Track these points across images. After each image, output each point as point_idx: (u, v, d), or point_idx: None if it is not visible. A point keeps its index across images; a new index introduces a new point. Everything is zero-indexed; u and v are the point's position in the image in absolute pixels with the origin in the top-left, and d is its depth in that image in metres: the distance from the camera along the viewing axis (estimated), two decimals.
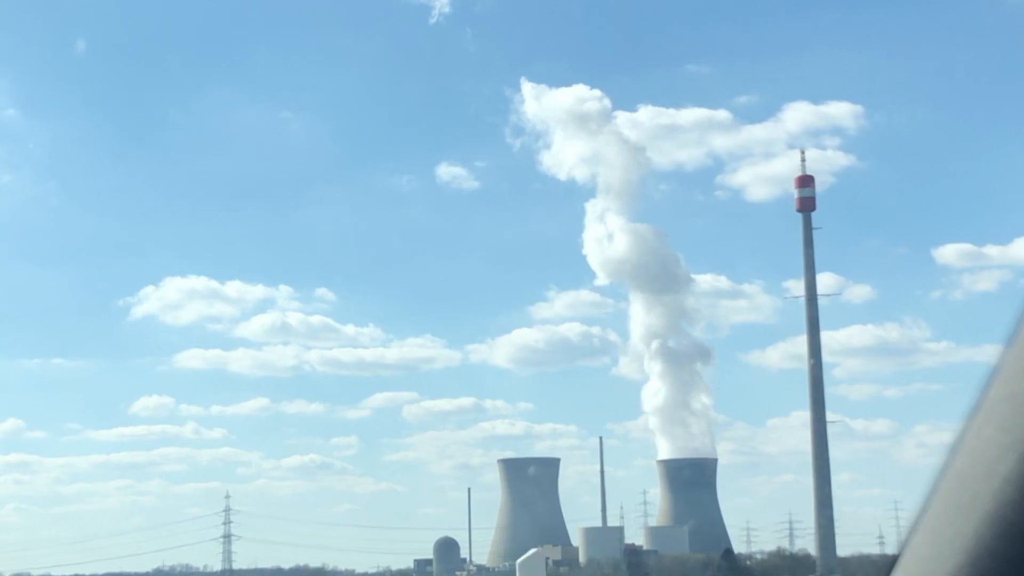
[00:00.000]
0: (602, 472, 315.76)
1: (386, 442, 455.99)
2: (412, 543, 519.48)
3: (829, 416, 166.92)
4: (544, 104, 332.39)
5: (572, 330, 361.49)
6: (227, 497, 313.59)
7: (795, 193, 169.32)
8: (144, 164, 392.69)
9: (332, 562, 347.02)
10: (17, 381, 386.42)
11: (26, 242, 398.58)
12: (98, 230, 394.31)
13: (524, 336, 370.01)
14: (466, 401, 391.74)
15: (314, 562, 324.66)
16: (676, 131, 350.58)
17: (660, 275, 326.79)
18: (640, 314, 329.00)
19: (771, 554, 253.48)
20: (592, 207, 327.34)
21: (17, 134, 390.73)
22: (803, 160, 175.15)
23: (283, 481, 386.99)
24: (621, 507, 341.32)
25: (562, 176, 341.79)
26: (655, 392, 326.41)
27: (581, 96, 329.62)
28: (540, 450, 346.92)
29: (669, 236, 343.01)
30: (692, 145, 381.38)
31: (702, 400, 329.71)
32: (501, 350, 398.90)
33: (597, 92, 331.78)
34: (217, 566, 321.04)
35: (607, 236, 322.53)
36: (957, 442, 2.33)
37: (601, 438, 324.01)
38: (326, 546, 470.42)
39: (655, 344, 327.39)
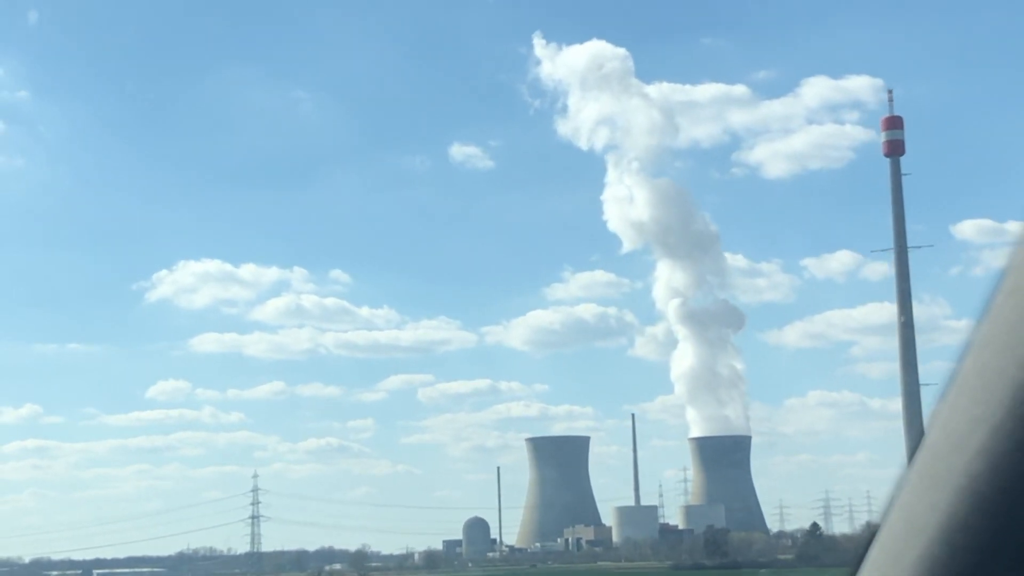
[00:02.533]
0: (635, 450, 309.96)
1: (402, 425, 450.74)
2: (436, 524, 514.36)
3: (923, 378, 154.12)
4: (560, 63, 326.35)
5: (588, 311, 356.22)
6: (255, 477, 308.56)
7: (881, 136, 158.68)
8: (156, 146, 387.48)
9: (353, 543, 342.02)
10: (33, 366, 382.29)
11: (39, 226, 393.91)
12: (111, 214, 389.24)
13: (540, 317, 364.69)
14: (482, 383, 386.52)
15: (338, 544, 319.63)
16: (693, 107, 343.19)
17: (686, 234, 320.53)
18: (666, 277, 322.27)
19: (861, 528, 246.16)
20: (613, 169, 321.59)
21: (28, 117, 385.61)
22: (891, 100, 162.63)
23: (300, 464, 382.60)
24: (660, 485, 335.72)
25: (581, 142, 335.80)
26: (684, 358, 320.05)
27: (600, 53, 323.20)
28: (557, 432, 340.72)
29: (692, 195, 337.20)
30: (709, 121, 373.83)
31: (734, 367, 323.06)
32: (516, 332, 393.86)
33: (619, 51, 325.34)
34: (240, 549, 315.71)
35: (628, 198, 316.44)
36: (932, 416, 2.34)
37: (633, 415, 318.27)
38: (349, 526, 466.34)
39: (682, 307, 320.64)
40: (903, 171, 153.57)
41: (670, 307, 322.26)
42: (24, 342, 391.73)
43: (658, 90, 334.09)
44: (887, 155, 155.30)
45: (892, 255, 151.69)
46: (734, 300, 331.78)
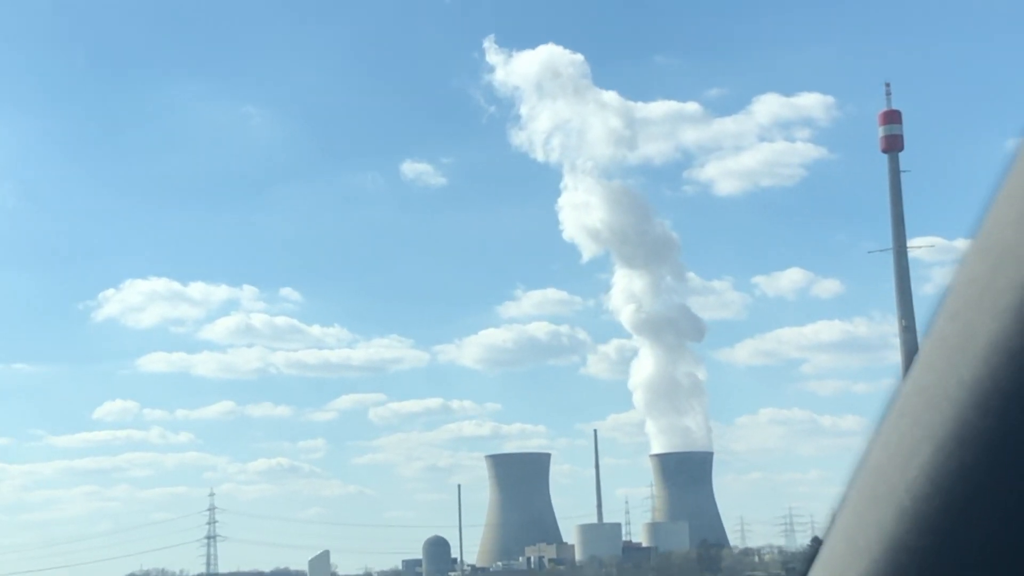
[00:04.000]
0: (597, 466, 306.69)
1: (353, 444, 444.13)
2: (392, 543, 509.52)
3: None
4: (514, 69, 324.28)
5: (540, 329, 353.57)
6: (211, 495, 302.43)
7: (879, 131, 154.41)
8: (102, 162, 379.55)
9: (302, 564, 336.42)
10: None
11: None
12: (55, 231, 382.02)
13: (492, 336, 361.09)
14: (433, 402, 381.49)
15: (293, 564, 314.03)
16: (645, 124, 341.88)
17: (644, 240, 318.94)
18: (623, 284, 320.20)
19: None
20: (569, 175, 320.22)
21: None
22: (888, 93, 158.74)
23: (251, 485, 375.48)
24: (627, 502, 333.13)
25: (536, 153, 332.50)
26: (642, 368, 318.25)
27: (555, 58, 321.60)
28: (512, 449, 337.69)
29: (650, 201, 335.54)
30: (661, 138, 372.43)
31: (695, 376, 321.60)
32: (469, 350, 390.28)
33: (576, 56, 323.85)
34: (194, 570, 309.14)
35: (585, 204, 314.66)
36: (874, 435, 2.32)
37: (596, 431, 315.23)
38: (304, 546, 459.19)
39: (640, 314, 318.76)
40: (901, 167, 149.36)
41: (628, 314, 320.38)
42: None
43: (613, 100, 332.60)
44: (885, 151, 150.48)
45: (891, 256, 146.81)
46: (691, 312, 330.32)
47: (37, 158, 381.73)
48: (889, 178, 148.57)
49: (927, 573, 2.12)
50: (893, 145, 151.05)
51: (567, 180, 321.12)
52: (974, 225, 2.29)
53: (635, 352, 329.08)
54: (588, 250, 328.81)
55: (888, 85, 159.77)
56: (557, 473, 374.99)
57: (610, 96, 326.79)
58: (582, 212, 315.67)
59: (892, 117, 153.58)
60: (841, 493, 2.31)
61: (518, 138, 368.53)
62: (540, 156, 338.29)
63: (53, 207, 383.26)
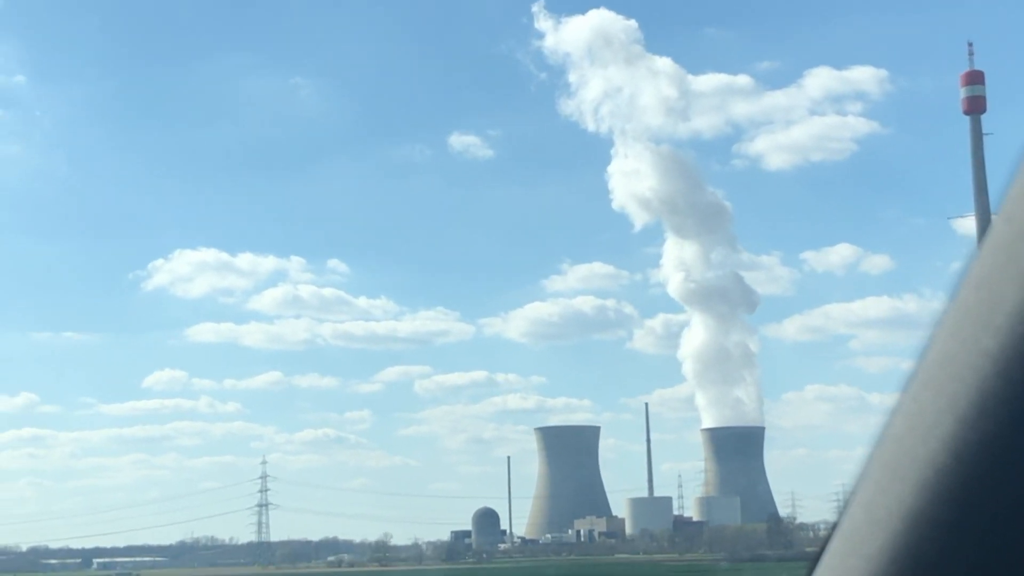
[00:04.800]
0: (648, 440, 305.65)
1: (399, 416, 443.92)
2: (435, 514, 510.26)
3: None
4: (564, 36, 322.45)
5: (587, 303, 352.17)
6: (263, 463, 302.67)
7: (961, 93, 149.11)
8: (154, 133, 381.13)
9: (357, 534, 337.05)
10: (30, 355, 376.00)
11: (35, 214, 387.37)
12: (107, 201, 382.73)
13: (538, 310, 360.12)
14: (479, 375, 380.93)
15: (342, 534, 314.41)
16: (695, 97, 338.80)
17: (695, 208, 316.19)
18: (674, 254, 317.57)
19: None
20: (620, 142, 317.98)
21: (25, 101, 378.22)
22: (971, 54, 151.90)
23: (297, 455, 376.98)
24: (679, 476, 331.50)
25: (585, 121, 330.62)
26: (693, 338, 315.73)
27: (607, 23, 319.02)
28: (558, 423, 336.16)
29: (701, 169, 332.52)
30: (711, 111, 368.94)
31: (746, 346, 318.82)
32: (515, 324, 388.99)
33: (629, 22, 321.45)
34: (243, 538, 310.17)
35: (635, 172, 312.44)
36: (896, 407, 2.27)
37: (647, 404, 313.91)
38: (350, 514, 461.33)
39: (692, 283, 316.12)
40: (984, 130, 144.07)
41: (678, 284, 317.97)
42: (20, 331, 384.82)
43: (666, 66, 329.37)
44: (967, 112, 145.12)
45: (973, 220, 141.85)
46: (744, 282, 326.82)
47: (88, 129, 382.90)
48: (971, 142, 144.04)
49: (947, 546, 2.09)
50: (975, 107, 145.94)
51: (617, 147, 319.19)
52: (1001, 194, 2.28)
53: (682, 327, 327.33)
54: (638, 219, 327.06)
55: (971, 45, 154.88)
56: (603, 447, 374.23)
57: (664, 63, 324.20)
58: (632, 180, 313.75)
59: (974, 78, 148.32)
60: (861, 464, 2.29)
61: (567, 107, 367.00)
62: (590, 125, 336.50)
63: (104, 177, 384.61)
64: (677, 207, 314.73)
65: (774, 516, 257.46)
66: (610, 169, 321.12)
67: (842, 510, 2.28)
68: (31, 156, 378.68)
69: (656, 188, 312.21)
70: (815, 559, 2.32)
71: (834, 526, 2.29)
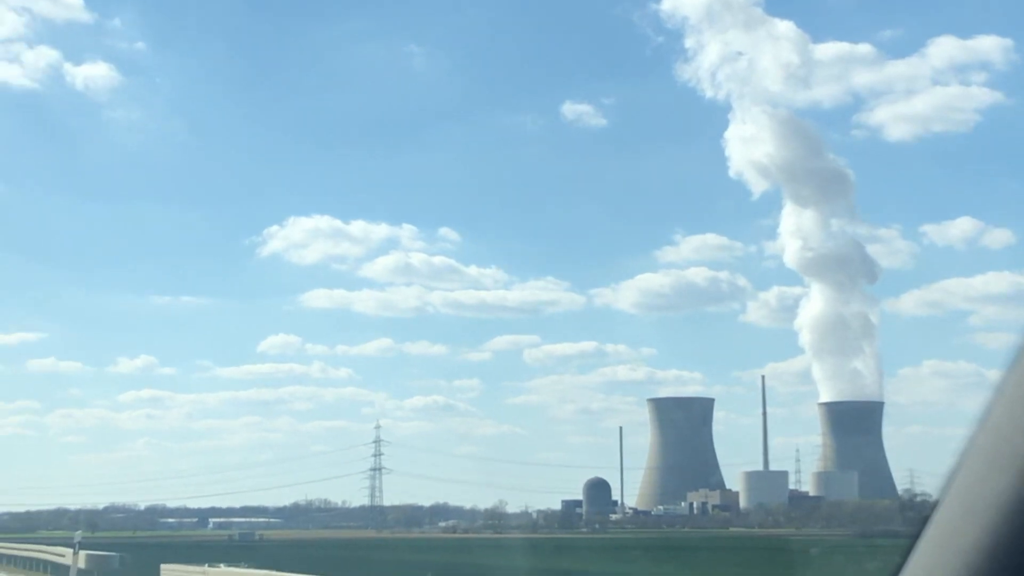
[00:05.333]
0: (764, 414, 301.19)
1: (508, 385, 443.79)
2: (545, 482, 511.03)
3: None
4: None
5: (699, 275, 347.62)
6: (377, 428, 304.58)
7: None
8: (267, 100, 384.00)
9: (466, 500, 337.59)
10: (149, 318, 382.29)
11: (155, 180, 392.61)
12: (224, 167, 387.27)
13: (649, 280, 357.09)
14: (588, 345, 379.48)
15: (451, 500, 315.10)
16: (815, 66, 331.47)
17: (816, 176, 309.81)
18: (792, 221, 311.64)
19: None
20: (738, 107, 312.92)
21: (146, 68, 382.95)
22: None
23: (407, 421, 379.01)
24: (797, 450, 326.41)
25: (703, 86, 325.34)
26: (812, 307, 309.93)
27: None
28: (669, 394, 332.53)
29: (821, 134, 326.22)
30: (831, 81, 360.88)
31: (866, 318, 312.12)
32: (625, 294, 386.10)
33: None
34: (355, 502, 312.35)
35: (754, 137, 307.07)
36: (996, 393, 2.15)
37: (763, 377, 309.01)
38: (460, 480, 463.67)
39: (810, 251, 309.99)
40: None
41: (796, 252, 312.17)
42: (140, 295, 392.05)
43: (788, 30, 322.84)
44: None
45: None
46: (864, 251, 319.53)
47: (205, 96, 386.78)
48: None
49: None
50: None
51: (735, 112, 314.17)
52: None
53: (796, 300, 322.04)
54: (756, 186, 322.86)
55: None
56: (715, 420, 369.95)
57: (785, 27, 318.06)
58: (751, 146, 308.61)
59: None
60: (959, 452, 2.17)
61: (684, 72, 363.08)
62: (707, 91, 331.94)
63: (221, 144, 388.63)
64: (796, 174, 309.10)
65: (908, 492, 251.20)
66: (727, 135, 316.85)
67: (938, 499, 2.21)
68: (151, 122, 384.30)
69: (775, 154, 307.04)
70: (907, 549, 2.23)
71: (928, 516, 2.20)
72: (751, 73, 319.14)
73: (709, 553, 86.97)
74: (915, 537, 2.24)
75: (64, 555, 56.59)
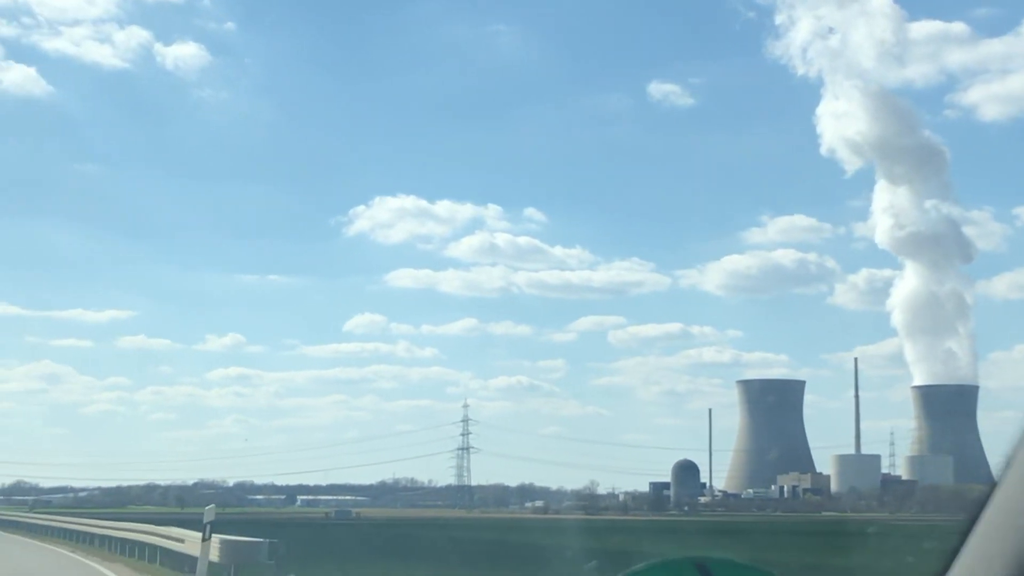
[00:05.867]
0: (856, 397, 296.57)
1: (592, 366, 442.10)
2: (630, 463, 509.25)
3: None
4: None
5: (786, 256, 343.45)
6: (465, 406, 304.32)
7: None
8: (354, 79, 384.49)
9: (552, 481, 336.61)
10: (237, 297, 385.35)
11: (243, 159, 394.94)
12: (310, 147, 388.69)
13: (735, 262, 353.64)
14: (673, 327, 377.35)
15: (538, 481, 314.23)
16: (907, 45, 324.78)
17: (909, 153, 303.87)
18: (884, 199, 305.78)
19: None
20: (830, 82, 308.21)
21: (234, 48, 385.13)
22: None
23: (491, 401, 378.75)
24: (892, 434, 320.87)
25: (794, 64, 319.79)
26: (904, 287, 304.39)
27: None
28: (760, 377, 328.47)
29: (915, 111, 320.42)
30: (923, 60, 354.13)
31: (960, 298, 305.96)
32: (711, 276, 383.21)
33: None
34: (442, 481, 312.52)
35: (846, 113, 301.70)
36: None
37: (856, 359, 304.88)
38: (545, 461, 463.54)
39: (903, 230, 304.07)
40: None
41: (888, 231, 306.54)
42: (228, 273, 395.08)
43: (883, 5, 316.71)
44: None
45: None
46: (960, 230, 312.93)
47: (293, 76, 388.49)
48: None
49: None
50: None
51: (828, 88, 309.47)
52: None
53: (886, 283, 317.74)
54: (848, 164, 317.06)
55: None
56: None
57: (880, 2, 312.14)
58: (843, 122, 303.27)
59: None
60: (1006, 456, 2.09)
61: (774, 49, 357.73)
62: (799, 68, 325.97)
63: (308, 124, 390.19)
64: (890, 150, 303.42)
65: None
66: (819, 111, 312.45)
67: (983, 506, 2.08)
68: (240, 102, 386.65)
69: (868, 131, 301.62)
70: (953, 551, 2.13)
71: (973, 521, 2.09)
72: (843, 50, 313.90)
73: (824, 538, 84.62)
74: (973, 520, 2.13)
75: (184, 540, 40.28)
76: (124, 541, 54.53)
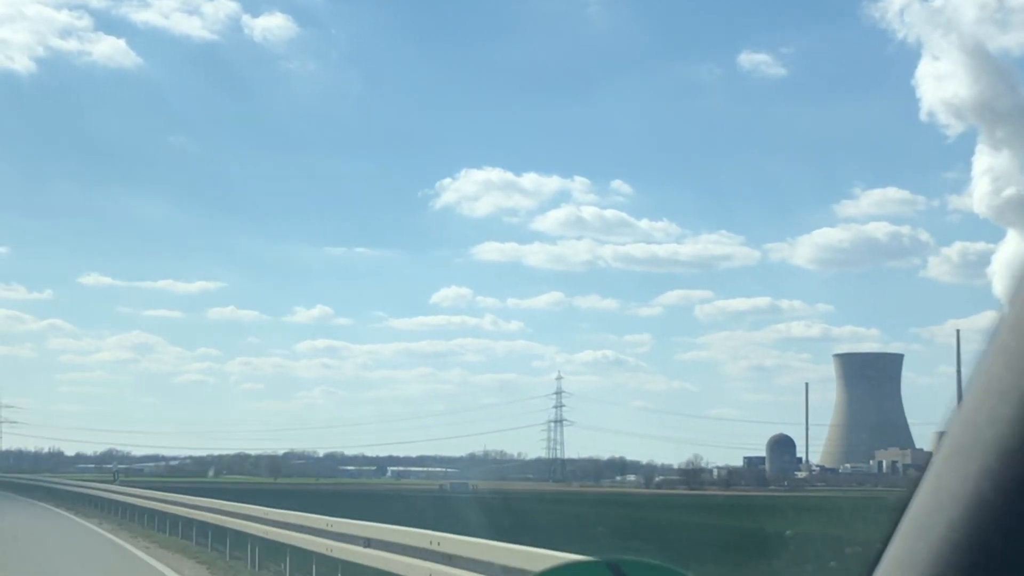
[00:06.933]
0: (959, 371, 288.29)
1: (679, 340, 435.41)
2: (720, 438, 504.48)
3: None
4: None
5: (879, 229, 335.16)
6: (559, 379, 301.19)
7: None
8: (441, 49, 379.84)
9: (643, 455, 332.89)
10: (325, 269, 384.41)
11: (330, 131, 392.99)
12: (397, 119, 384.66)
13: (827, 235, 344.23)
14: (761, 301, 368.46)
15: (629, 455, 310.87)
16: (1003, 11, 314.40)
17: (1014, 116, 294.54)
18: (987, 165, 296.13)
19: None
20: (930, 40, 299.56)
21: (321, 20, 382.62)
22: None
23: (577, 376, 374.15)
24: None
25: (893, 27, 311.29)
26: (1006, 253, 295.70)
27: None
28: (854, 350, 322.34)
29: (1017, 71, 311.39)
30: (1021, 28, 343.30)
31: None
32: (801, 249, 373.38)
33: None
34: (531, 454, 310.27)
35: (947, 74, 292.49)
36: (968, 384, 2.10)
37: (959, 331, 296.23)
38: (635, 433, 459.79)
39: (1003, 199, 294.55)
40: None
41: (988, 197, 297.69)
42: (316, 246, 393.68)
43: None
44: None
45: None
46: None
47: (379, 47, 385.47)
48: None
49: (1012, 533, 1.91)
50: None
51: (927, 49, 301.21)
52: None
53: (980, 256, 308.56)
54: (950, 128, 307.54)
55: None
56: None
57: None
58: (943, 83, 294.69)
59: None
60: (936, 444, 2.14)
61: (872, 13, 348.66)
62: (898, 31, 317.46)
63: (395, 95, 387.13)
64: (991, 113, 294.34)
65: None
66: (918, 73, 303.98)
67: (913, 491, 2.12)
68: (327, 74, 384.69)
69: (969, 93, 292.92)
70: (886, 538, 2.15)
71: (903, 507, 2.13)
72: (944, 14, 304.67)
73: None
74: (891, 530, 2.12)
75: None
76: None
